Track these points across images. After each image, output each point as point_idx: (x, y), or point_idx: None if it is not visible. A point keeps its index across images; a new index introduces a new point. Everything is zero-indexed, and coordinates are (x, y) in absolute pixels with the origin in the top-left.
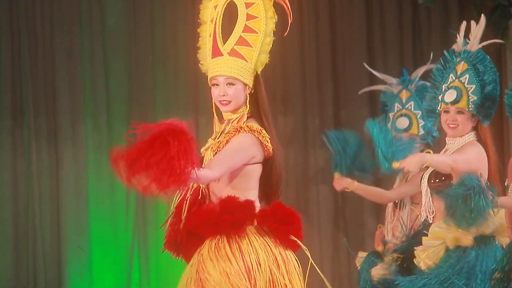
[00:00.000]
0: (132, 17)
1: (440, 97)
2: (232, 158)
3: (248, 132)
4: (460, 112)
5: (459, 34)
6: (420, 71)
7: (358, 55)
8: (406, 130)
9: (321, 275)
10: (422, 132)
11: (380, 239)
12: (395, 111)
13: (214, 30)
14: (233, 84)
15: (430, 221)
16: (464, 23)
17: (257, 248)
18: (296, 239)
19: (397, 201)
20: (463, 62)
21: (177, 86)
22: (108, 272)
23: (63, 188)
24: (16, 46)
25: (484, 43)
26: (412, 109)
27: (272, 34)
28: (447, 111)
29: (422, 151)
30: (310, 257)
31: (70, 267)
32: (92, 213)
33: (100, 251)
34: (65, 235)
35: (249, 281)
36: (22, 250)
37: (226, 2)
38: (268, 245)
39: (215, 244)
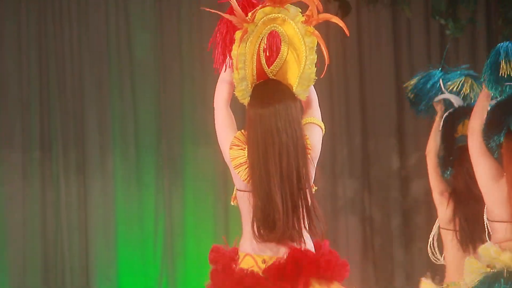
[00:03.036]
0: (160, 49)
1: None
2: None
3: None
4: None
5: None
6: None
7: (386, 85)
8: None
9: None
10: None
11: None
12: None
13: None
14: None
15: None
16: None
17: None
18: None
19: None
20: None
21: (205, 117)
22: None
23: (91, 220)
24: (45, 79)
25: None
26: None
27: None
28: None
29: None
30: None
31: None
32: (121, 244)
33: (128, 282)
34: (94, 266)
35: None
36: (51, 281)
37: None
38: None
39: None
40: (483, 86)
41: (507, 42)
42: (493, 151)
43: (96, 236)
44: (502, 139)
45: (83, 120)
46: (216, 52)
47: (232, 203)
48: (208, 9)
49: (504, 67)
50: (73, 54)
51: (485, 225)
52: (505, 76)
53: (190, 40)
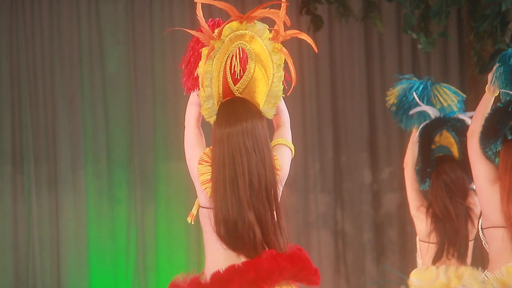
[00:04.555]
0: (133, 64)
1: None
2: None
3: None
4: None
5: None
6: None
7: (358, 100)
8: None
9: None
10: None
11: None
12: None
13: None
14: None
15: None
16: None
17: None
18: None
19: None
20: None
21: (178, 133)
22: None
23: (63, 234)
24: (16, 93)
25: None
26: None
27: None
28: None
29: None
30: None
31: None
32: (92, 259)
33: None
34: (65, 281)
35: None
36: None
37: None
38: None
39: None
40: (486, 90)
41: None
42: (491, 159)
43: (68, 251)
44: (499, 147)
45: (55, 134)
46: (186, 71)
47: (189, 220)
48: (177, 28)
49: None
50: (44, 68)
51: (480, 236)
52: None
53: (162, 55)
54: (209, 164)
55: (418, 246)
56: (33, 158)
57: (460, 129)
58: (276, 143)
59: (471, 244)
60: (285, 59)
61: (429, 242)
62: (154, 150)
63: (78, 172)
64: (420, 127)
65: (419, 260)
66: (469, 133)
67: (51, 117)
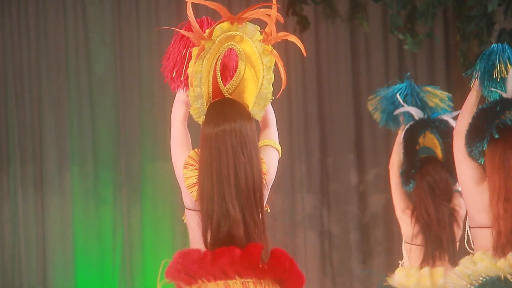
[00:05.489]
0: (119, 65)
1: None
2: None
3: None
4: None
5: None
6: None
7: (344, 101)
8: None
9: None
10: None
11: None
12: None
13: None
14: None
15: None
16: None
17: None
18: None
19: None
20: None
21: (164, 134)
22: None
23: (49, 235)
24: (3, 94)
25: None
26: None
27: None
28: None
29: None
30: None
31: None
32: (78, 260)
33: None
34: (51, 282)
35: None
36: None
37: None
38: None
39: None
40: (472, 88)
41: (501, 44)
42: (476, 158)
43: (54, 252)
44: (485, 146)
45: (41, 135)
46: (173, 70)
47: (184, 220)
48: (166, 28)
49: (498, 69)
50: (31, 69)
51: (466, 233)
52: (498, 79)
53: (149, 56)
54: (195, 167)
55: (404, 248)
56: (19, 159)
57: (444, 130)
58: (262, 144)
59: (457, 244)
60: (275, 61)
61: (414, 244)
62: (140, 151)
63: (64, 173)
64: (404, 128)
65: (405, 263)
66: (455, 132)
67: (37, 118)
